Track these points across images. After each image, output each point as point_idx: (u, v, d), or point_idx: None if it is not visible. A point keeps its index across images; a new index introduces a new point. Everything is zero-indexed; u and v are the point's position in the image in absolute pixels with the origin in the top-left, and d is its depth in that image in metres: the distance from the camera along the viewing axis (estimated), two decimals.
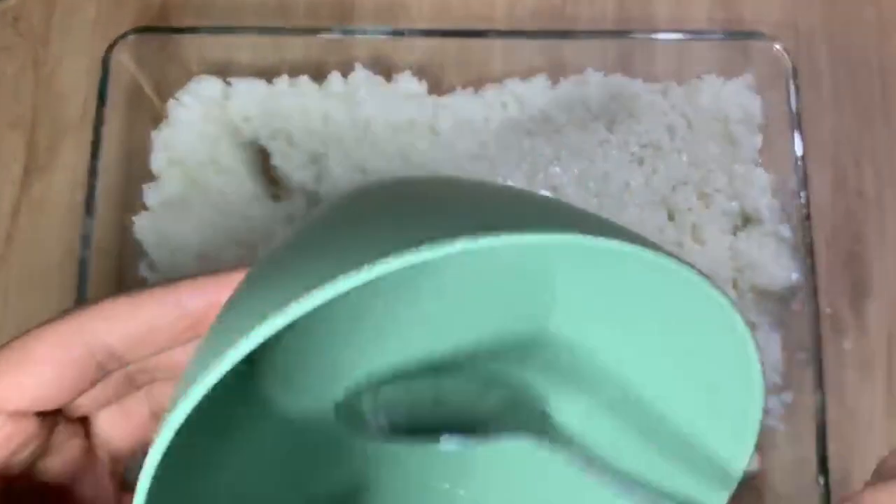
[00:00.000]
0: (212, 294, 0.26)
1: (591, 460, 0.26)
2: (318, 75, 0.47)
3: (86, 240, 0.42)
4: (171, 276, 0.44)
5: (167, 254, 0.44)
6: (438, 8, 0.51)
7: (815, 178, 0.48)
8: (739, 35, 0.48)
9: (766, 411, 0.43)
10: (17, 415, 0.24)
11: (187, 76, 0.47)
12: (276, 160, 0.46)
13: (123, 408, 0.28)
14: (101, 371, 0.25)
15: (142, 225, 0.45)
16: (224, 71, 0.47)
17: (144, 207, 0.45)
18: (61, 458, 0.26)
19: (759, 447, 0.43)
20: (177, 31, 0.47)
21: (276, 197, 0.46)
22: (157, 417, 0.29)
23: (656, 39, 0.48)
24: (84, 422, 0.27)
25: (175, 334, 0.26)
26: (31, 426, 0.25)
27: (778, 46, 0.46)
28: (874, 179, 0.49)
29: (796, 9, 0.51)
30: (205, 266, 0.44)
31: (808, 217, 0.44)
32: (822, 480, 0.40)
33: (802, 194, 0.44)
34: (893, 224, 0.49)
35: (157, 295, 0.26)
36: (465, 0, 0.51)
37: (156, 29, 0.48)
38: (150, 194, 0.45)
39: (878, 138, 0.50)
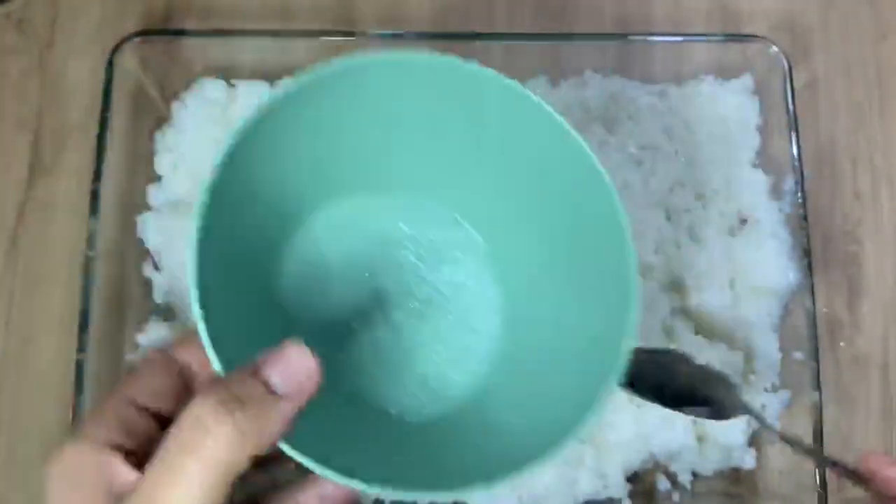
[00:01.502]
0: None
1: None
2: None
3: (91, 240, 0.42)
4: (176, 277, 0.44)
5: (172, 254, 0.45)
6: (439, 10, 0.51)
7: (812, 178, 0.48)
8: (737, 37, 0.48)
9: (764, 409, 0.44)
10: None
11: (191, 78, 0.47)
12: None
13: None
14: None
15: (146, 225, 0.45)
16: (227, 73, 0.47)
17: (149, 208, 0.46)
18: None
19: (757, 446, 0.44)
20: (180, 34, 0.47)
21: None
22: None
23: (655, 41, 0.48)
24: None
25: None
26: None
27: (775, 48, 0.46)
28: (870, 180, 0.50)
29: (794, 11, 0.52)
30: None
31: (805, 218, 0.44)
32: (819, 479, 0.41)
33: (799, 195, 0.44)
34: (889, 224, 0.49)
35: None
36: (465, 2, 0.51)
37: (160, 31, 0.48)
38: (155, 195, 0.46)
39: (875, 140, 0.50)
